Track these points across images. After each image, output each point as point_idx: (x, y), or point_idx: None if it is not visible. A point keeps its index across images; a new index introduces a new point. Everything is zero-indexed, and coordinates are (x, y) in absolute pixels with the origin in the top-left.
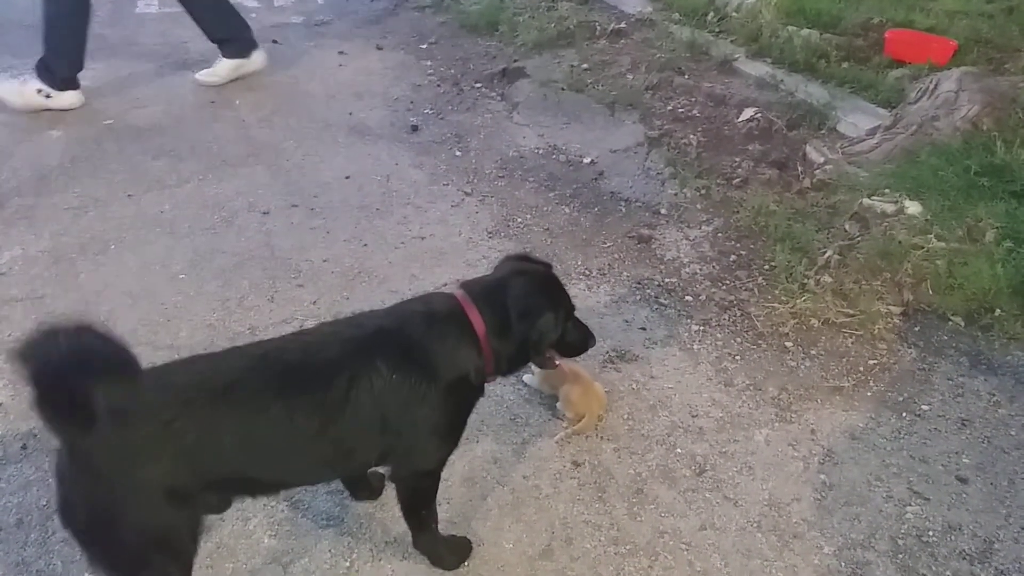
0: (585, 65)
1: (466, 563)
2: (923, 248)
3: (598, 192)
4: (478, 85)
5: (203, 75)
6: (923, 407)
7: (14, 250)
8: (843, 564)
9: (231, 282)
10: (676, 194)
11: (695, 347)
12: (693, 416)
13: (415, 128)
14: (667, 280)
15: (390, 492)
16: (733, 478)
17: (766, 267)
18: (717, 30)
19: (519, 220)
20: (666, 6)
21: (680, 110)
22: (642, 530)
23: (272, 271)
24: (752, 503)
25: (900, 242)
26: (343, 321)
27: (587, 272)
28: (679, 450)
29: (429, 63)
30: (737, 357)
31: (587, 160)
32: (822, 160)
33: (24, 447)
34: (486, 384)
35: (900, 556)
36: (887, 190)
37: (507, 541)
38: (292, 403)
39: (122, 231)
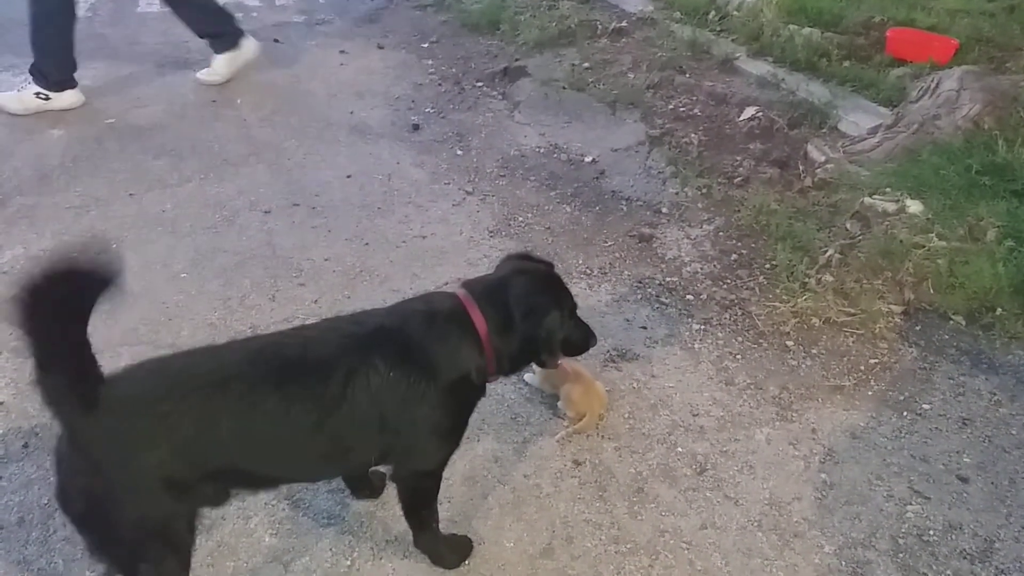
0: (586, 64)
1: (467, 562)
2: (924, 247)
3: (599, 191)
4: (479, 84)
5: (204, 75)
6: (924, 406)
7: (16, 249)
8: (844, 563)
9: (232, 281)
10: (677, 193)
11: (696, 346)
12: (694, 415)
13: (416, 127)
14: (668, 279)
15: (391, 490)
16: (734, 477)
17: (767, 266)
18: (718, 29)
19: (520, 219)
20: (667, 5)
21: (681, 109)
22: (643, 529)
23: (273, 270)
24: (753, 502)
25: (901, 241)
26: (344, 318)
27: (588, 271)
28: (680, 449)
29: (430, 62)
30: (738, 356)
31: (588, 159)
32: (823, 159)
33: (26, 445)
34: (487, 384)
35: (901, 555)
36: (888, 189)
37: (508, 540)
38: (288, 397)
39: (123, 230)
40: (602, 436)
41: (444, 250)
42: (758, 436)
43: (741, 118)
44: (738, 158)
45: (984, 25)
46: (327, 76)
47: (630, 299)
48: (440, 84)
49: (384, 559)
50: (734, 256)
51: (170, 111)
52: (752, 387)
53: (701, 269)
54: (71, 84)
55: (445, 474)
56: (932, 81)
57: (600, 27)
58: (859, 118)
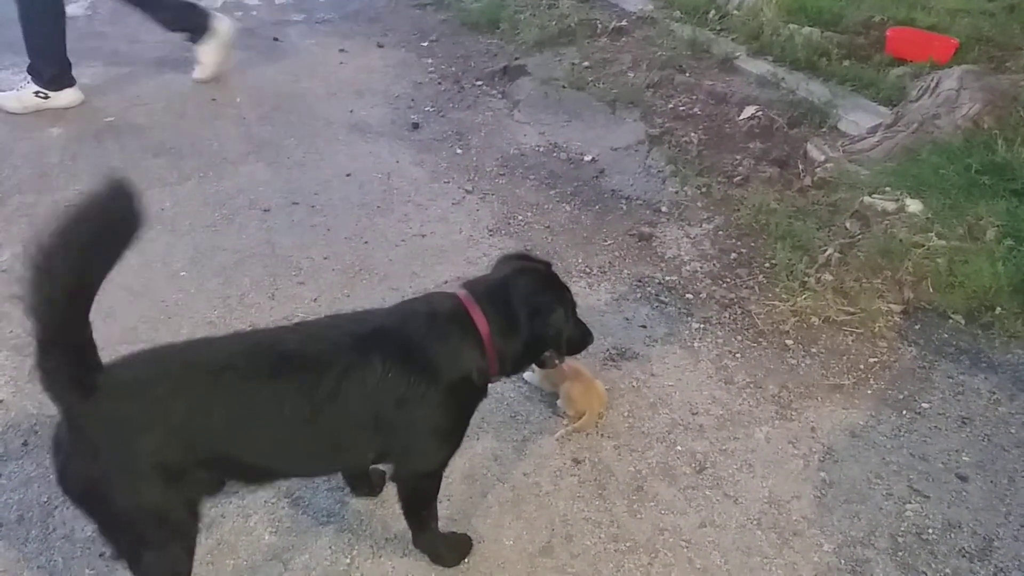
0: (586, 63)
1: (466, 560)
2: (924, 246)
3: (599, 190)
4: (479, 83)
5: (197, 73)
6: (923, 405)
7: (15, 247)
8: (843, 562)
9: (232, 279)
10: (677, 192)
11: (695, 345)
12: (693, 414)
13: (416, 126)
14: (668, 278)
15: (390, 488)
16: (733, 476)
17: (767, 265)
18: (718, 28)
19: (520, 218)
20: (667, 4)
21: (681, 108)
22: (642, 527)
23: (273, 269)
24: (752, 500)
25: (901, 240)
26: (345, 316)
27: (588, 270)
28: (679, 447)
29: (430, 61)
30: (737, 355)
31: (588, 158)
32: (823, 158)
33: (25, 443)
34: (489, 384)
35: (900, 554)
36: (888, 188)
37: (507, 538)
38: (280, 390)
39: None
40: (601, 434)
41: (444, 249)
42: (757, 435)
43: (741, 117)
44: (738, 157)
45: (984, 24)
46: (327, 75)
47: (630, 298)
48: (440, 83)
49: (384, 557)
50: (734, 255)
51: (169, 109)
52: (751, 386)
53: (701, 268)
54: (69, 82)
55: (445, 472)
56: (932, 80)
57: (600, 26)
58: (859, 117)
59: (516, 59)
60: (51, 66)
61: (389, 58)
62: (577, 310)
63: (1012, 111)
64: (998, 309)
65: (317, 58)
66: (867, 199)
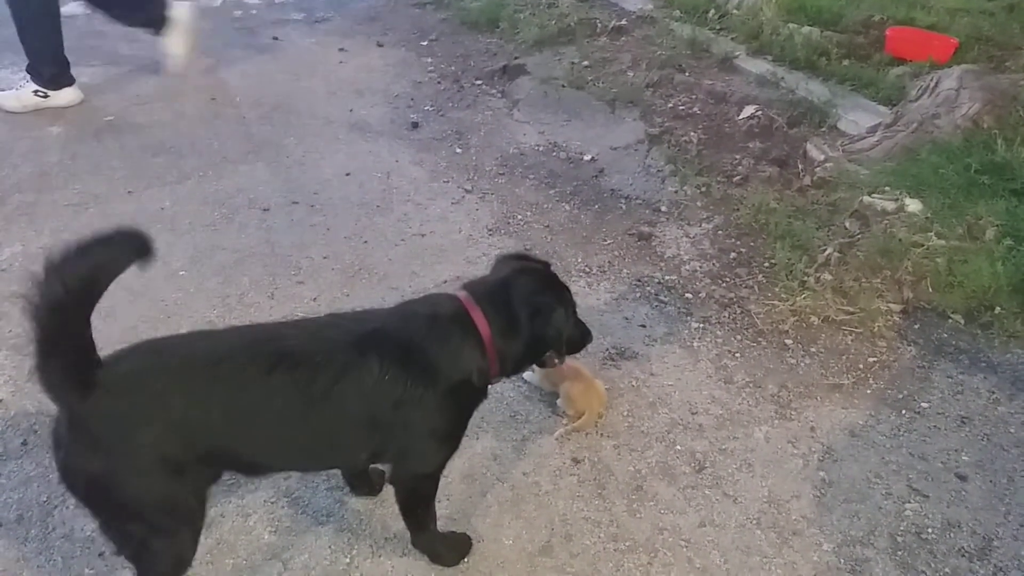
0: (586, 62)
1: (466, 560)
2: (923, 246)
3: (598, 189)
4: (479, 82)
5: (170, 66)
6: (923, 405)
7: (15, 246)
8: (842, 561)
9: (231, 279)
10: (676, 191)
11: (695, 344)
12: (693, 413)
13: (415, 125)
14: (667, 277)
15: (390, 487)
16: (732, 475)
17: (766, 265)
18: (718, 27)
19: (519, 217)
20: (667, 3)
21: (681, 107)
22: (641, 527)
23: (272, 268)
24: (751, 500)
25: (900, 240)
26: (346, 315)
27: (587, 269)
28: (679, 447)
29: (430, 60)
30: (737, 354)
31: (587, 157)
32: (822, 158)
33: (24, 443)
34: (489, 385)
35: (899, 553)
36: (887, 188)
37: (507, 537)
38: (276, 385)
39: None
40: (601, 434)
41: (443, 248)
42: (757, 434)
43: (740, 117)
44: (737, 157)
45: (984, 24)
46: (326, 74)
47: (629, 297)
48: (439, 82)
49: (383, 556)
50: (733, 255)
51: (169, 108)
52: (751, 385)
53: (700, 267)
54: (68, 81)
55: (444, 472)
56: (931, 80)
57: (599, 25)
58: (858, 117)
59: (516, 58)
60: (50, 65)
61: (389, 57)
62: (577, 309)
63: (1012, 111)
64: (997, 309)
65: (317, 57)
66: (866, 199)
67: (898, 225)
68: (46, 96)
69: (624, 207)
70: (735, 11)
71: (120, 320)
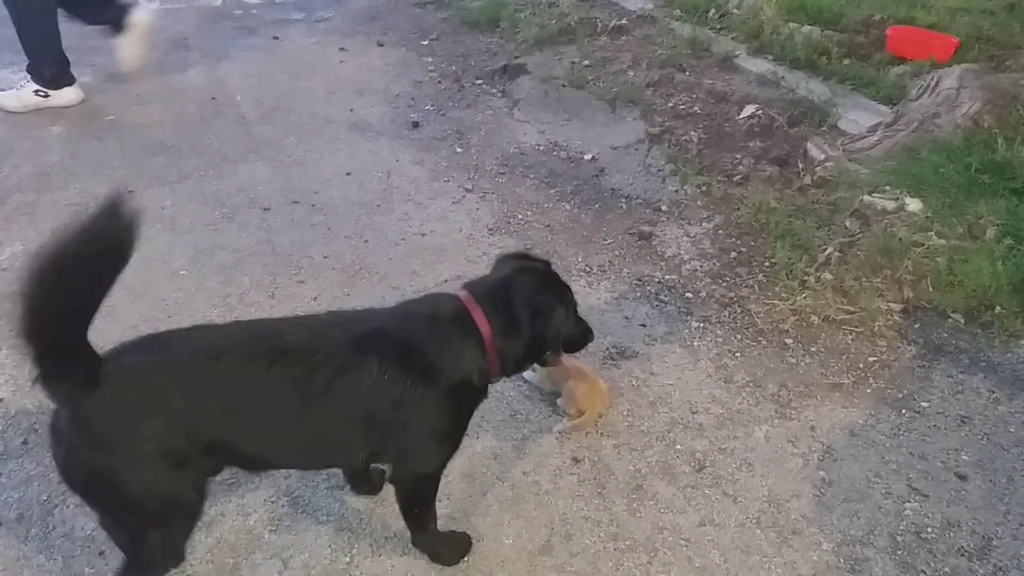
0: (586, 62)
1: (465, 559)
2: (923, 245)
3: (599, 189)
4: (479, 82)
5: (121, 65)
6: (923, 404)
7: (15, 246)
8: (842, 560)
9: (232, 278)
10: (677, 191)
11: (695, 344)
12: (693, 412)
13: (416, 124)
14: (667, 277)
15: (390, 486)
16: (732, 474)
17: (766, 264)
18: (718, 27)
19: (520, 217)
20: (667, 3)
21: (681, 107)
22: (641, 526)
23: (273, 267)
24: (751, 499)
25: (900, 239)
26: (348, 314)
27: (588, 269)
28: (679, 446)
29: (430, 59)
30: (737, 354)
31: (588, 157)
32: (823, 157)
33: (25, 442)
34: (490, 384)
35: (899, 552)
36: (888, 187)
37: (506, 537)
38: (275, 381)
39: None
40: (601, 433)
41: (444, 248)
42: (757, 434)
43: (741, 116)
44: (738, 156)
45: (984, 23)
46: (327, 73)
47: (629, 297)
48: (440, 82)
49: (383, 555)
50: (733, 254)
51: (170, 108)
52: (751, 385)
53: (700, 267)
54: (69, 80)
55: (444, 471)
56: (932, 79)
57: (600, 25)
58: (859, 116)
59: (516, 58)
60: (50, 65)
61: (389, 57)
62: (578, 308)
63: (1012, 110)
64: (998, 308)
65: (317, 57)
66: (867, 198)
67: (898, 224)
68: (47, 96)
69: (624, 206)
70: (735, 10)
71: (120, 319)
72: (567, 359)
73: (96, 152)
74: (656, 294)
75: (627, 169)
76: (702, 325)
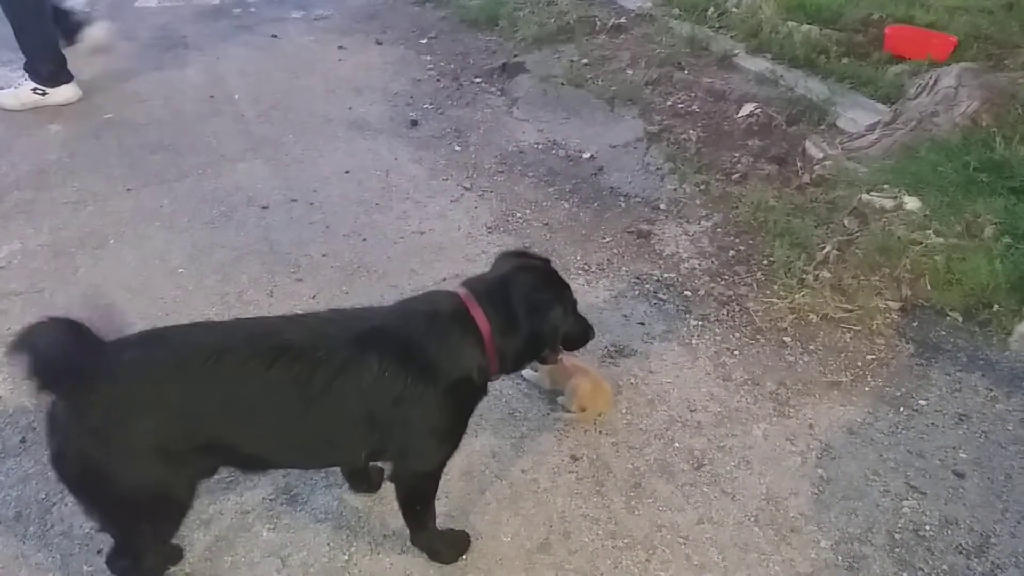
0: (585, 60)
1: (464, 557)
2: (922, 244)
3: (597, 187)
4: (478, 80)
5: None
6: (921, 402)
7: (13, 244)
8: (840, 558)
9: (230, 276)
10: (675, 189)
11: (694, 342)
12: (691, 410)
13: (414, 123)
14: (666, 275)
15: (389, 484)
16: (731, 472)
17: (765, 262)
18: (717, 25)
19: (518, 215)
20: (666, 1)
21: (680, 105)
22: (640, 524)
23: (271, 266)
24: (750, 497)
25: (899, 238)
26: (348, 312)
27: (586, 267)
28: (677, 444)
29: (429, 58)
30: (735, 352)
31: (586, 155)
32: (821, 156)
33: (23, 440)
34: (489, 382)
35: (897, 550)
36: (886, 186)
37: (505, 535)
38: (276, 380)
39: (121, 225)
40: (599, 431)
41: (442, 246)
42: (755, 431)
43: (739, 115)
44: (736, 154)
45: (982, 22)
46: (325, 72)
47: (628, 295)
48: (438, 80)
49: (382, 554)
50: (732, 252)
51: (168, 106)
52: (749, 383)
53: (699, 265)
54: (67, 78)
55: (443, 469)
56: (930, 78)
57: (599, 23)
58: (857, 115)
59: (515, 56)
60: (47, 63)
61: (388, 55)
62: (576, 306)
63: (1010, 109)
64: (995, 306)
65: (316, 55)
66: (865, 196)
67: (897, 223)
68: (44, 94)
69: (623, 205)
70: (734, 9)
71: (118, 317)
72: (568, 358)
73: (94, 150)
74: (654, 292)
75: (626, 167)
76: (700, 323)
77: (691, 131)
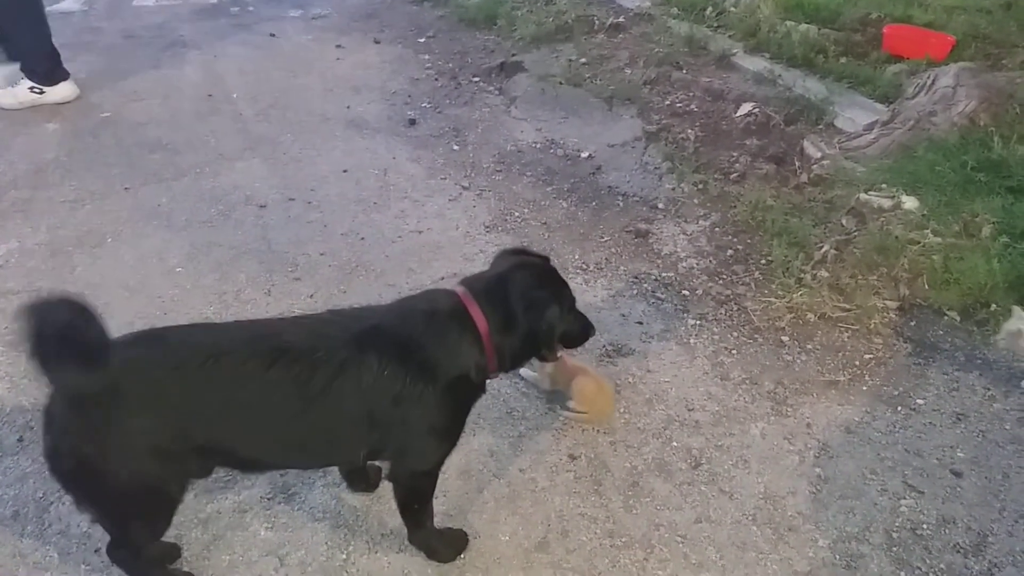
0: (583, 59)
1: (462, 556)
2: (919, 243)
3: (596, 186)
4: (476, 79)
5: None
6: (918, 401)
7: (11, 243)
8: (837, 557)
9: (228, 275)
10: (673, 188)
11: (692, 341)
12: (689, 410)
13: (413, 122)
14: (664, 274)
15: (387, 483)
16: (729, 471)
17: (763, 262)
18: (715, 25)
19: (516, 214)
20: (664, 1)
21: (678, 105)
22: (638, 523)
23: (269, 264)
24: (747, 496)
25: (897, 237)
26: (345, 312)
27: (584, 266)
28: (675, 443)
29: (427, 57)
30: (733, 351)
31: (585, 154)
32: (819, 155)
33: (20, 439)
34: (488, 380)
35: (894, 549)
36: (884, 185)
37: (503, 534)
38: (275, 381)
39: (119, 224)
40: (597, 430)
41: (440, 245)
42: (753, 431)
43: (738, 114)
44: (734, 154)
45: (980, 22)
46: (323, 71)
47: (626, 294)
48: (436, 79)
49: (380, 552)
50: (730, 252)
51: (166, 105)
52: (747, 382)
53: (697, 265)
54: (63, 76)
55: (441, 468)
56: (928, 78)
57: (597, 22)
58: (855, 114)
59: (513, 55)
60: (43, 61)
61: (386, 54)
62: (576, 304)
63: (1008, 108)
64: (993, 306)
65: (314, 54)
66: (863, 196)
67: (894, 222)
68: (42, 92)
69: (621, 204)
70: (732, 8)
71: (117, 316)
72: (568, 357)
73: (92, 149)
74: (653, 292)
75: (624, 167)
76: (698, 323)
77: (689, 130)
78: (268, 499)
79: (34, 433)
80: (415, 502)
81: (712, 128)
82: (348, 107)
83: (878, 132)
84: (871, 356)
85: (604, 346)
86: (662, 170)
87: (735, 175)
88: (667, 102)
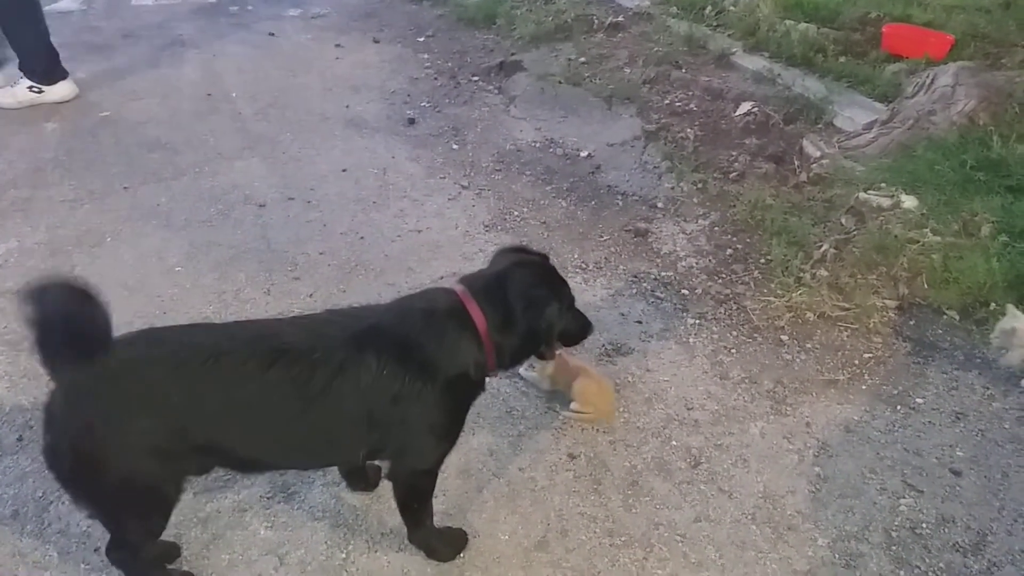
0: (583, 59)
1: (461, 555)
2: (919, 242)
3: (595, 186)
4: (475, 78)
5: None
6: (917, 400)
7: (10, 242)
8: (837, 556)
9: (227, 275)
10: (673, 188)
11: (691, 340)
12: (689, 409)
13: (412, 121)
14: (663, 274)
15: (386, 482)
16: (728, 470)
17: (762, 261)
18: (715, 24)
19: (516, 213)
20: (664, 0)
21: (677, 104)
22: (637, 522)
23: (268, 264)
24: (747, 495)
25: (896, 236)
26: (344, 312)
27: (584, 265)
28: (674, 442)
29: (426, 56)
30: (733, 350)
31: (584, 154)
32: (819, 154)
33: (20, 439)
34: (487, 379)
35: (894, 548)
36: (883, 184)
37: (503, 533)
38: (274, 382)
39: (118, 224)
40: (597, 430)
41: (439, 244)
42: (752, 430)
43: (737, 113)
44: (734, 153)
45: (979, 21)
46: (323, 70)
47: (625, 294)
48: (436, 78)
49: (379, 552)
50: (729, 251)
51: (165, 104)
52: (746, 381)
53: (696, 264)
54: (62, 74)
55: (441, 467)
56: (927, 77)
57: (596, 22)
58: (855, 113)
59: (512, 55)
60: (41, 60)
61: (385, 53)
62: (575, 302)
63: (1007, 107)
64: (992, 305)
65: (313, 53)
66: (862, 195)
67: (894, 221)
68: (41, 91)
69: (620, 203)
70: (732, 8)
71: (116, 316)
72: (568, 356)
73: (91, 148)
74: (652, 291)
75: (623, 166)
76: (698, 322)
77: (689, 129)
78: (268, 498)
79: (34, 432)
80: (415, 501)
81: (711, 127)
82: (347, 106)
83: (877, 131)
84: (870, 355)
85: (603, 345)
86: (661, 169)
87: (734, 174)
88: (666, 101)
